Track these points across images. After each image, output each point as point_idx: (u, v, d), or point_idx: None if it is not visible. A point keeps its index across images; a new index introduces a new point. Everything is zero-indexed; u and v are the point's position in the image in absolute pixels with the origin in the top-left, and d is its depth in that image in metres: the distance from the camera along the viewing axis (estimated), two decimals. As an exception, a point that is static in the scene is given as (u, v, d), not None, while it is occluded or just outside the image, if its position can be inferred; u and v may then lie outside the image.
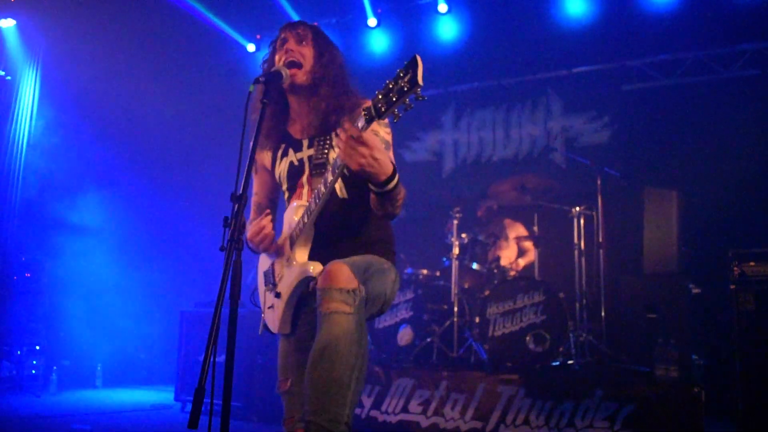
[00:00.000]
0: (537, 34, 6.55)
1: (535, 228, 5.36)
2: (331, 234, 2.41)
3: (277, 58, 2.50)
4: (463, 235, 5.17)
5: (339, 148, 2.01)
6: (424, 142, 6.95)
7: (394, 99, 1.85)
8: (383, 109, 1.90)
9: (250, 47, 7.66)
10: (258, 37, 7.69)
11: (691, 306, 4.70)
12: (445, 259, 5.32)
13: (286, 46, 2.48)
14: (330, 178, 2.18)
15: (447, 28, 7.01)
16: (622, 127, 6.17)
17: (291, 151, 2.53)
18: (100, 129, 6.58)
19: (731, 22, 5.83)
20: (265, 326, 2.56)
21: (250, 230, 2.44)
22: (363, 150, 1.96)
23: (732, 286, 4.15)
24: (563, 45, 6.42)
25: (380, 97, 1.91)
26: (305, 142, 2.50)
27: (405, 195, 2.22)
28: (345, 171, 2.12)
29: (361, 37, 7.15)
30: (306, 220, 2.31)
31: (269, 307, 2.53)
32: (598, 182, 5.15)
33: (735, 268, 4.22)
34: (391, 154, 2.37)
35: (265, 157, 2.63)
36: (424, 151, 6.93)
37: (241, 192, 2.01)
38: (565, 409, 4.06)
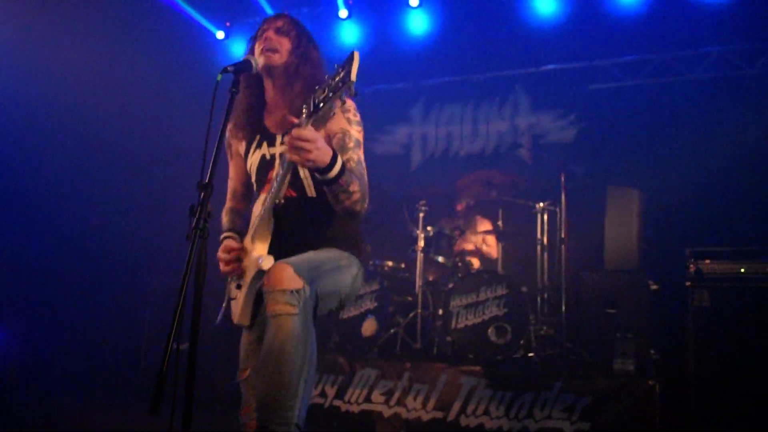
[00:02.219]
0: (507, 31, 6.61)
1: (500, 222, 5.43)
2: (295, 229, 2.43)
3: (255, 46, 2.52)
4: (429, 228, 5.22)
5: (286, 146, 2.08)
6: (393, 135, 6.97)
7: (330, 94, 1.95)
8: (320, 105, 1.99)
9: (220, 34, 7.56)
10: (228, 24, 7.60)
11: (650, 302, 4.82)
12: (410, 251, 5.36)
13: (265, 35, 2.50)
14: (280, 171, 2.24)
15: (418, 22, 7.02)
16: (588, 125, 6.27)
17: (265, 145, 2.55)
18: (56, 117, 6.29)
19: (697, 26, 5.95)
20: (225, 316, 2.58)
21: (222, 248, 2.49)
22: (306, 145, 2.03)
23: (688, 283, 4.28)
24: (532, 43, 6.49)
25: (318, 92, 2.00)
26: (279, 138, 2.51)
27: (363, 191, 2.26)
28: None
29: (331, 29, 7.13)
30: (264, 211, 2.33)
31: (232, 298, 2.56)
32: (562, 179, 5.24)
33: (691, 266, 4.35)
34: (361, 152, 2.40)
35: (240, 144, 2.65)
36: (392, 144, 6.96)
37: (207, 181, 2.02)
38: (525, 400, 4.15)
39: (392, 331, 4.99)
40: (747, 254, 4.25)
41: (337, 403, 4.59)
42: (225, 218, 2.71)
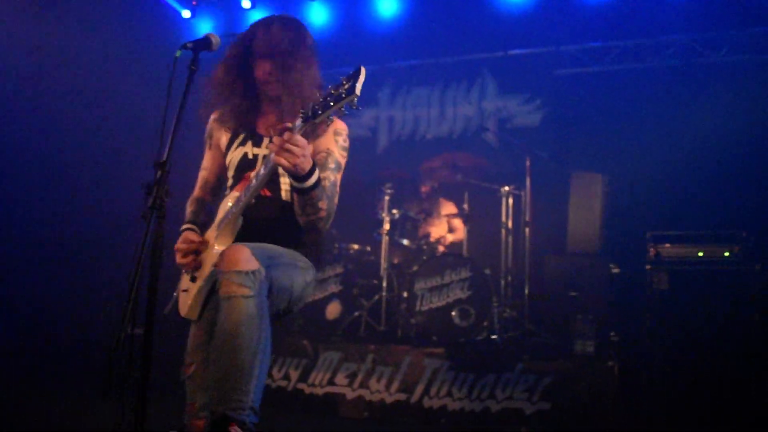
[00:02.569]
0: (475, 15, 6.59)
1: (465, 206, 5.46)
2: (262, 229, 2.40)
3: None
4: (394, 211, 5.22)
5: (274, 147, 2.06)
6: (360, 117, 6.93)
7: (331, 104, 1.95)
8: (320, 112, 1.98)
9: (186, 13, 7.42)
10: (194, 2, 7.45)
11: (611, 285, 4.91)
12: (375, 234, 5.36)
13: (260, 64, 2.44)
14: (262, 171, 2.21)
15: (386, 5, 6.97)
16: (554, 110, 6.31)
17: (249, 143, 2.52)
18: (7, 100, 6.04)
19: (662, 13, 6.02)
20: (174, 306, 2.54)
21: (181, 239, 2.45)
22: (296, 149, 2.03)
23: (648, 267, 4.36)
24: (500, 27, 6.49)
25: (320, 99, 1.99)
26: (266, 141, 2.49)
27: (329, 211, 2.27)
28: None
29: (300, 9, 7.03)
30: (234, 210, 2.30)
31: (184, 290, 2.50)
32: (528, 163, 5.28)
33: (651, 250, 4.44)
34: (338, 176, 2.41)
35: (222, 136, 2.60)
36: (358, 126, 6.92)
37: (164, 159, 1.98)
38: (487, 381, 4.20)
39: (356, 314, 5.00)
40: (705, 238, 4.35)
41: (300, 386, 4.59)
42: (189, 208, 2.65)
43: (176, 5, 7.36)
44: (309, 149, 2.08)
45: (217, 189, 2.69)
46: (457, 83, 6.67)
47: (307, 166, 2.10)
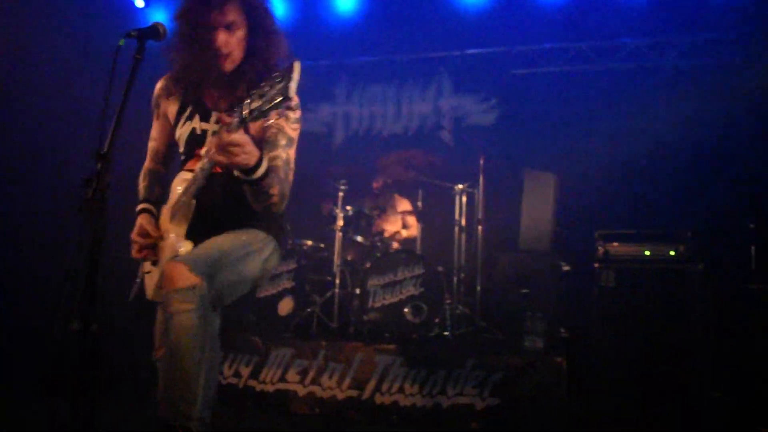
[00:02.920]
0: (432, 13, 6.64)
1: (419, 203, 5.47)
2: (217, 208, 2.37)
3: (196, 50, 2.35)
4: (348, 208, 5.21)
5: (211, 146, 2.01)
6: (316, 113, 6.89)
7: (265, 108, 1.84)
8: (255, 114, 1.88)
9: (139, 2, 7.26)
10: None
11: (561, 282, 4.99)
12: (329, 230, 5.34)
13: (216, 36, 2.33)
14: (205, 167, 2.19)
15: (344, 0, 6.97)
16: (509, 109, 6.38)
17: (197, 118, 2.45)
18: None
19: (614, 17, 6.15)
20: (140, 291, 2.52)
21: (137, 231, 2.40)
22: (234, 149, 1.95)
23: (596, 265, 4.45)
24: (457, 26, 6.54)
25: (255, 97, 1.89)
26: (214, 116, 2.42)
27: (282, 193, 2.21)
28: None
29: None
30: (185, 196, 2.26)
31: (147, 273, 2.50)
32: (481, 162, 5.32)
33: (600, 248, 4.52)
34: (291, 151, 2.33)
35: (170, 106, 2.52)
36: (314, 122, 6.88)
37: (105, 150, 1.93)
38: (438, 377, 4.22)
39: (309, 310, 4.97)
40: (651, 237, 4.45)
41: (251, 383, 4.54)
42: (143, 183, 2.60)
43: (130, -6, 7.20)
44: (249, 144, 1.99)
45: (168, 158, 2.64)
46: (414, 81, 6.68)
47: (252, 160, 2.02)
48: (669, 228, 4.51)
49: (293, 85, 1.78)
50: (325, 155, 6.64)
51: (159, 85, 2.57)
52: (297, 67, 1.80)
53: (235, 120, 1.96)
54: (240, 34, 2.37)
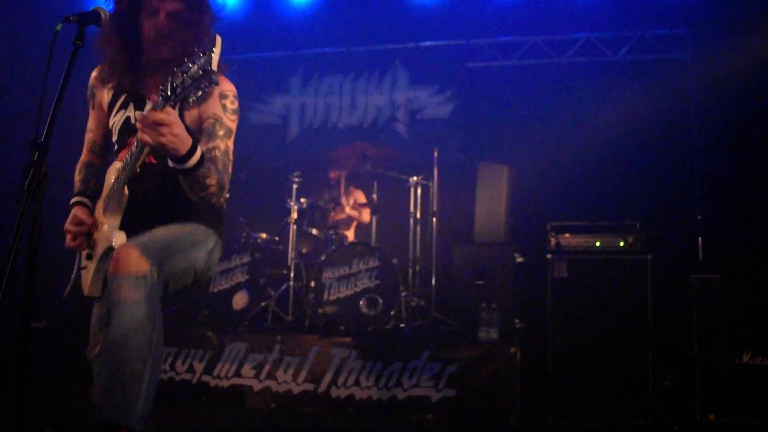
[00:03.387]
0: (388, 5, 6.63)
1: (374, 195, 5.46)
2: (151, 200, 2.30)
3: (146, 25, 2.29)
4: (303, 200, 5.16)
5: (138, 127, 1.91)
6: (270, 104, 6.81)
7: (187, 84, 1.80)
8: (177, 91, 1.83)
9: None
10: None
11: (516, 274, 5.03)
12: (284, 223, 5.28)
13: (153, 24, 2.28)
14: (134, 149, 2.10)
15: (300, -10, 6.90)
16: (464, 102, 6.41)
17: (131, 106, 2.37)
18: None
19: (568, 11, 6.22)
20: (76, 286, 2.43)
21: (70, 220, 2.31)
22: (159, 128, 1.87)
23: (549, 256, 4.50)
24: (413, 18, 6.54)
25: (177, 75, 1.83)
26: (149, 104, 2.32)
27: (220, 184, 2.14)
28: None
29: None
30: (117, 185, 2.19)
31: (82, 268, 2.41)
32: (436, 154, 5.33)
33: (552, 239, 4.57)
34: (230, 141, 2.26)
35: (104, 95, 2.44)
36: (269, 113, 6.79)
37: (43, 139, 1.86)
38: (394, 369, 4.23)
39: (263, 304, 4.92)
40: (602, 229, 4.51)
41: (205, 378, 4.47)
42: (78, 176, 2.51)
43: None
44: (178, 126, 1.91)
45: (106, 150, 2.55)
46: (369, 73, 6.66)
47: (182, 147, 1.93)
48: (619, 219, 4.58)
49: (215, 57, 1.74)
50: (280, 147, 6.57)
51: (93, 74, 2.48)
52: (218, 41, 1.77)
53: (160, 99, 1.89)
54: (179, 20, 2.29)
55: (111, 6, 2.30)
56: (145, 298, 2.00)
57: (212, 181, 2.09)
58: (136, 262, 2.01)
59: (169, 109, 1.88)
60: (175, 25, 2.28)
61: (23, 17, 6.11)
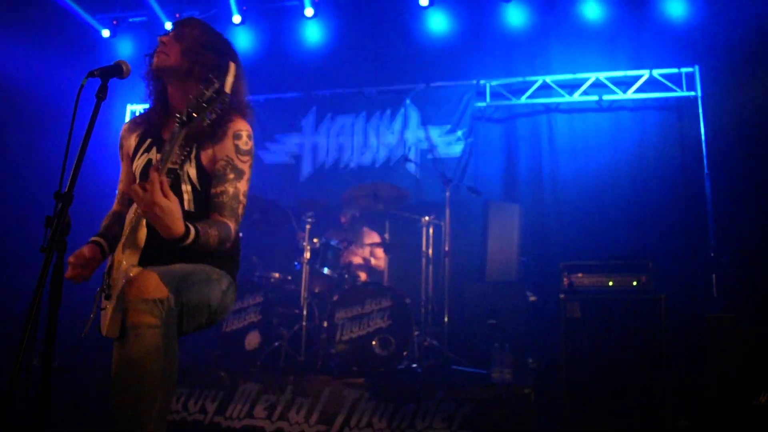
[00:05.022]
0: (400, 45, 6.76)
1: (387, 235, 5.49)
2: (167, 244, 2.35)
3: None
4: (315, 240, 5.19)
5: (135, 196, 1.97)
6: (283, 144, 6.89)
7: (204, 105, 1.90)
8: (193, 115, 1.92)
9: (105, 33, 7.25)
10: (114, 22, 7.30)
11: (528, 313, 5.03)
12: (296, 263, 5.31)
13: (159, 38, 2.43)
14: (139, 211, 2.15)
15: (312, 32, 7.05)
16: (474, 141, 6.46)
17: (154, 150, 2.44)
18: None
19: (577, 52, 6.32)
20: (95, 326, 2.46)
21: (73, 256, 2.34)
22: (155, 209, 1.93)
23: (561, 295, 4.49)
24: (424, 59, 6.67)
25: (192, 101, 1.93)
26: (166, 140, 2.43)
27: (223, 236, 2.18)
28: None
29: (223, 32, 6.98)
30: (134, 224, 2.24)
31: (101, 309, 2.43)
32: (447, 193, 5.37)
33: (565, 279, 4.57)
34: (241, 183, 2.32)
35: (131, 143, 2.52)
36: (282, 153, 6.87)
37: (66, 190, 1.91)
38: (407, 410, 4.20)
39: (276, 344, 4.92)
40: (615, 268, 4.51)
41: (217, 419, 4.46)
42: (104, 222, 2.58)
43: (95, 24, 7.18)
44: (173, 218, 1.95)
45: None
46: (381, 112, 6.74)
47: (176, 231, 1.99)
48: (632, 258, 4.58)
49: (230, 79, 1.88)
50: (293, 187, 6.63)
51: (124, 126, 2.58)
52: (232, 67, 1.91)
53: (176, 127, 1.96)
54: (180, 45, 2.41)
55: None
56: (161, 323, 2.00)
57: (213, 240, 2.14)
58: (155, 286, 2.03)
59: (171, 195, 1.94)
60: (180, 64, 2.39)
61: (57, 69, 6.29)
